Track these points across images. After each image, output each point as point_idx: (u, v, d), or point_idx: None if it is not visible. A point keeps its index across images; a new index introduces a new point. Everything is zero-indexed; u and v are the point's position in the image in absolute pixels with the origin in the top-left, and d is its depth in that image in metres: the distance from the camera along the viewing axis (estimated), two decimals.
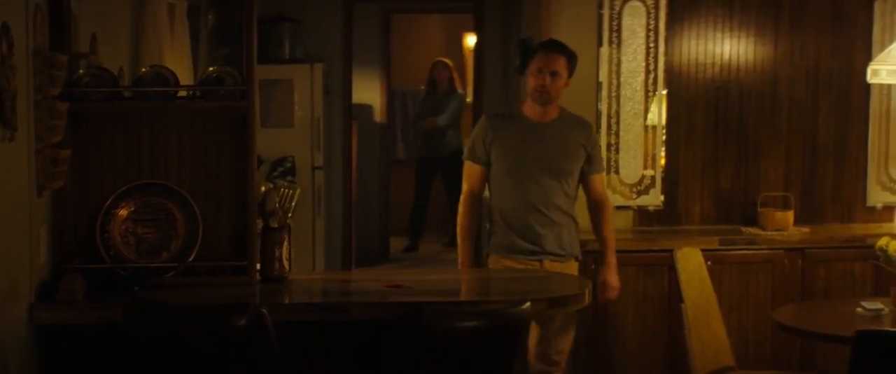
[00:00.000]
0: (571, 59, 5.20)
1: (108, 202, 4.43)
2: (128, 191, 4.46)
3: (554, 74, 5.12)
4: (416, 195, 10.86)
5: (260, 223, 4.54)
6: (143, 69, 4.59)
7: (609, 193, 6.19)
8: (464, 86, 11.19)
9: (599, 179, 5.38)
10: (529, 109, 5.24)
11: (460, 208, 5.30)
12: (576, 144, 5.22)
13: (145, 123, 4.48)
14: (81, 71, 4.41)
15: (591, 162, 5.27)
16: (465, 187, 5.31)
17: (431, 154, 10.61)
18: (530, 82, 5.17)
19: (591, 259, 5.66)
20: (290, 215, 4.64)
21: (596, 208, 5.39)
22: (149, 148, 4.49)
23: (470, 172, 5.30)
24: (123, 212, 4.44)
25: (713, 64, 6.35)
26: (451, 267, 9.39)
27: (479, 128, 5.30)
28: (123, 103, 4.47)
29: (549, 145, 5.18)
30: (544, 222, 5.21)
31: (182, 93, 4.58)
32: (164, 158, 4.49)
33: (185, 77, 5.39)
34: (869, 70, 5.76)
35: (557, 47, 5.21)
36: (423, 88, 11.08)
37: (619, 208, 6.26)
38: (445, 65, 10.74)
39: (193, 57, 6.09)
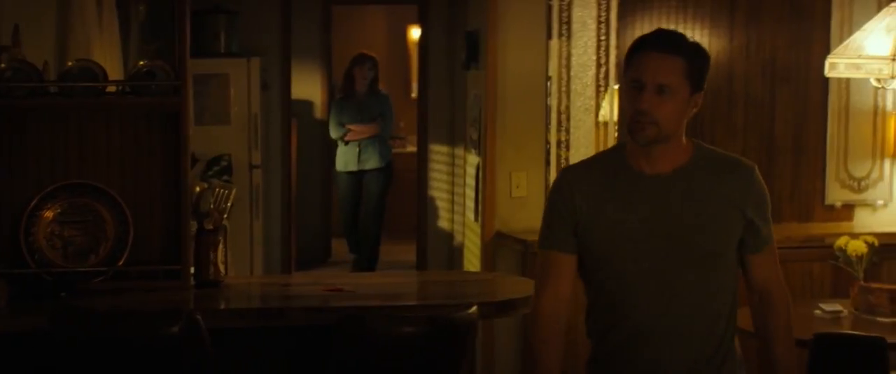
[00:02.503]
0: (695, 58, 3.19)
1: (32, 204, 4.39)
2: (53, 192, 4.42)
3: (661, 89, 3.12)
4: (346, 216, 10.05)
5: (194, 225, 4.51)
6: (70, 63, 4.55)
7: None
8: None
9: (768, 263, 3.38)
10: (634, 153, 3.23)
11: (535, 331, 3.32)
12: (724, 204, 3.22)
13: (72, 119, 4.45)
14: (3, 65, 4.38)
15: (754, 233, 3.28)
16: (539, 296, 3.32)
17: (361, 166, 9.62)
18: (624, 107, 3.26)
19: None
20: (225, 216, 4.62)
21: (764, 307, 3.48)
22: (76, 146, 4.46)
23: (548, 266, 3.30)
24: (49, 214, 4.40)
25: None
26: (395, 269, 9.40)
27: (555, 191, 3.32)
28: (48, 99, 4.43)
29: (674, 213, 3.20)
30: (676, 352, 3.26)
31: (111, 88, 4.55)
32: (93, 157, 4.46)
33: (115, 71, 5.34)
34: (827, 64, 5.81)
35: (664, 43, 3.19)
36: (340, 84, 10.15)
37: None
38: (369, 59, 9.68)
39: (123, 50, 6.05)
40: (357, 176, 9.67)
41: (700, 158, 3.25)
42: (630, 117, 3.15)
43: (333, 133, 9.64)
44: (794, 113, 6.50)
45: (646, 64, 3.14)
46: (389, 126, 9.74)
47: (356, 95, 9.54)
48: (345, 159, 9.67)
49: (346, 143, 9.57)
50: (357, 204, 9.85)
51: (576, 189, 3.25)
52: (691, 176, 3.21)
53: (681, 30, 6.27)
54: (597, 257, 3.24)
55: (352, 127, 9.50)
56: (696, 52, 3.19)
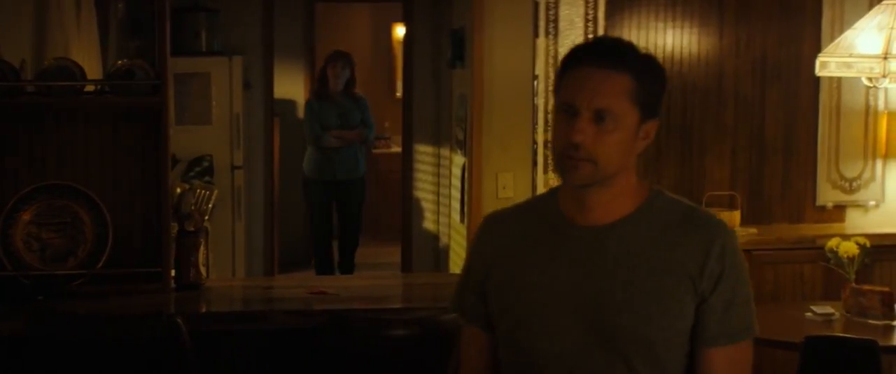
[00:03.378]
0: (647, 76, 2.51)
1: (9, 205, 4.38)
2: (31, 193, 4.41)
3: (600, 115, 2.44)
4: (317, 230, 9.33)
5: (175, 227, 4.51)
6: (47, 62, 4.54)
7: None
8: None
9: (732, 365, 2.52)
10: (567, 197, 2.56)
11: None
12: (672, 274, 2.47)
13: (50, 119, 4.44)
14: None
15: (712, 318, 2.48)
16: None
17: (337, 176, 8.96)
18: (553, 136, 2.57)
19: None
20: (207, 217, 4.61)
21: None
22: (54, 147, 4.44)
23: (459, 340, 2.75)
24: (26, 215, 4.39)
25: (655, 56, 6.37)
26: (380, 271, 9.39)
27: (472, 242, 2.71)
28: (26, 98, 4.42)
29: (603, 280, 2.47)
30: None
31: (90, 87, 4.54)
32: (71, 158, 4.45)
33: (93, 70, 5.33)
34: (817, 62, 5.83)
35: (605, 56, 2.49)
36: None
37: None
38: (343, 57, 9.02)
39: (102, 49, 6.03)
40: (331, 185, 8.98)
41: (653, 208, 2.51)
42: (560, 151, 2.45)
43: (312, 139, 8.95)
44: (784, 112, 6.51)
45: (581, 83, 2.44)
46: (372, 133, 9.28)
47: (330, 97, 8.92)
48: (318, 165, 8.98)
49: (325, 149, 8.92)
50: (329, 215, 9.23)
51: (493, 241, 2.60)
52: (635, 232, 2.47)
53: (669, 29, 6.34)
54: (503, 332, 2.56)
55: (338, 134, 8.88)
56: (647, 69, 2.50)
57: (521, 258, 2.53)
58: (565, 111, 2.46)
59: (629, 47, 2.51)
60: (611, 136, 2.44)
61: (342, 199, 9.03)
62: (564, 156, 2.45)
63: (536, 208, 2.63)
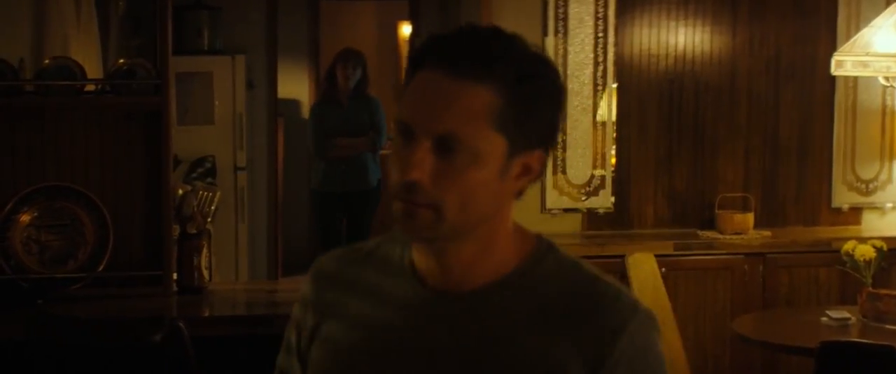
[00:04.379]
0: (522, 87, 1.77)
1: (7, 207, 4.38)
2: (30, 195, 4.41)
3: (443, 143, 1.74)
4: (324, 246, 8.09)
5: (177, 229, 4.50)
6: (47, 60, 4.55)
7: (556, 194, 6.22)
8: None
9: None
10: (419, 247, 1.86)
11: None
12: (549, 370, 1.77)
13: (49, 120, 4.44)
14: None
15: None
16: None
17: (346, 188, 8.15)
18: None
19: None
20: (209, 219, 4.61)
21: None
22: (53, 147, 4.44)
23: None
24: (25, 217, 4.39)
25: (667, 55, 6.38)
26: None
27: (300, 298, 2.05)
28: (25, 98, 4.42)
29: (457, 366, 1.80)
30: None
31: (90, 87, 4.54)
32: (71, 159, 4.45)
33: (94, 69, 5.33)
34: (833, 61, 5.81)
35: (460, 56, 1.76)
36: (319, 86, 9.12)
37: (566, 210, 6.27)
38: (354, 56, 8.23)
39: (102, 47, 6.03)
40: (338, 197, 8.17)
41: (535, 273, 1.82)
42: (393, 191, 1.76)
43: (317, 150, 8.14)
44: (799, 112, 6.50)
45: (421, 96, 1.76)
46: (383, 139, 8.20)
47: (339, 100, 8.08)
48: (324, 177, 8.17)
49: (328, 160, 8.08)
50: (336, 230, 8.32)
51: (323, 295, 1.95)
52: (504, 307, 1.79)
53: (681, 27, 6.33)
54: None
55: (344, 142, 8.01)
56: (526, 78, 1.76)
57: (353, 324, 1.86)
58: (402, 134, 1.75)
59: (500, 44, 1.77)
60: (463, 174, 1.73)
61: (352, 212, 8.24)
62: (396, 197, 1.75)
63: (384, 256, 1.90)
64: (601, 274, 1.83)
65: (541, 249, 1.85)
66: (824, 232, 6.42)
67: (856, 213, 6.59)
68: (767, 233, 6.26)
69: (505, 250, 1.83)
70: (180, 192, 4.59)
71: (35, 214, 4.40)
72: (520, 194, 1.84)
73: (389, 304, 1.85)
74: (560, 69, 6.11)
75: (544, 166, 1.83)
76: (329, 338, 1.89)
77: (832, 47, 6.25)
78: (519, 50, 1.77)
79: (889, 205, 6.56)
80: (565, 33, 6.25)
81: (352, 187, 8.11)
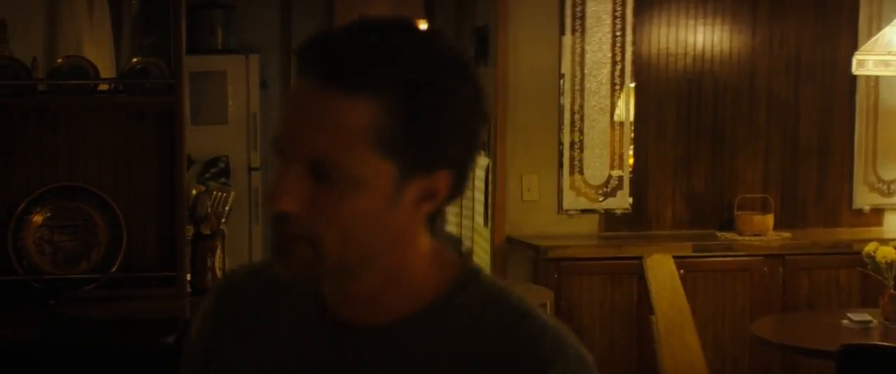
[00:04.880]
0: (415, 93, 1.45)
1: (20, 207, 4.39)
2: (42, 195, 4.42)
3: (316, 169, 1.47)
4: None
5: (190, 230, 4.51)
6: (59, 60, 4.56)
7: (573, 194, 6.21)
8: None
9: None
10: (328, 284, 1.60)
11: None
12: None
13: (62, 119, 4.45)
14: None
15: None
16: None
17: None
18: None
19: (554, 269, 5.67)
20: (223, 220, 4.61)
21: None
22: (66, 147, 4.45)
23: None
24: (38, 218, 4.39)
25: (685, 54, 6.37)
26: None
27: (197, 318, 1.75)
28: (37, 98, 4.43)
29: None
30: None
31: (103, 86, 4.55)
32: (83, 159, 4.46)
33: (107, 69, 5.34)
34: (854, 60, 5.80)
35: (337, 61, 1.46)
36: None
37: (583, 211, 6.26)
38: None
39: (115, 46, 6.05)
40: None
41: (453, 306, 1.57)
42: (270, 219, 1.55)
43: None
44: (819, 112, 6.49)
45: (292, 111, 1.51)
46: None
47: None
48: None
49: None
50: None
51: (220, 317, 1.71)
52: (417, 343, 1.56)
53: (700, 26, 6.32)
54: None
55: None
56: (418, 86, 1.47)
57: (248, 353, 1.65)
58: (278, 154, 1.51)
59: (387, 45, 1.48)
60: (341, 204, 1.48)
61: None
62: (272, 231, 1.55)
63: (293, 290, 1.64)
64: (531, 309, 1.57)
65: (463, 278, 1.58)
66: (845, 233, 6.40)
67: (877, 214, 6.57)
68: (787, 234, 6.25)
69: (419, 281, 1.56)
70: (194, 192, 4.60)
71: (48, 214, 4.41)
72: (431, 217, 1.56)
73: (291, 334, 1.61)
74: (577, 68, 6.15)
75: (459, 187, 1.54)
76: (224, 365, 1.67)
77: (853, 46, 6.24)
78: (413, 52, 1.47)
79: None
80: (583, 32, 6.24)
81: None
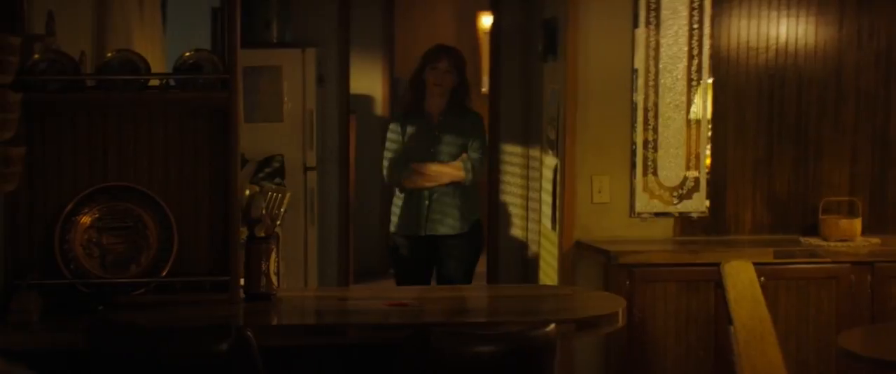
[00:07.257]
0: None
1: (68, 208, 4.42)
2: (91, 195, 4.45)
3: None
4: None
5: (244, 232, 4.53)
6: (109, 54, 4.58)
7: (646, 197, 6.19)
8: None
9: None
10: None
11: None
12: None
13: (111, 116, 4.48)
14: (37, 56, 4.41)
15: None
16: None
17: (431, 230, 6.64)
18: None
19: (625, 275, 5.66)
20: (278, 222, 4.63)
21: None
22: (115, 145, 4.48)
23: None
24: (86, 219, 4.43)
25: (767, 48, 6.34)
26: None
27: None
28: (86, 93, 4.46)
29: None
30: None
31: (154, 81, 4.57)
32: (134, 158, 4.49)
33: (158, 63, 5.39)
34: None
35: None
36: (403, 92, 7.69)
37: (657, 214, 6.25)
38: (448, 54, 6.68)
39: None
40: (424, 242, 6.67)
41: None
42: None
43: (392, 176, 6.73)
44: None
45: None
46: (482, 165, 6.77)
47: (427, 112, 6.66)
48: (404, 216, 6.71)
49: (404, 190, 6.70)
50: (422, 281, 6.78)
51: None
52: None
53: (782, 17, 6.29)
54: None
55: (422, 169, 6.60)
56: None
57: None
58: None
59: None
60: None
61: (439, 260, 6.70)
62: None
63: None
64: None
65: None
66: None
67: None
68: (876, 240, 6.20)
69: None
70: (248, 193, 4.61)
71: (96, 215, 4.44)
72: None
73: None
74: (652, 63, 6.13)
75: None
76: None
77: None
78: None
79: None
80: (657, 24, 6.22)
81: (440, 229, 6.62)
